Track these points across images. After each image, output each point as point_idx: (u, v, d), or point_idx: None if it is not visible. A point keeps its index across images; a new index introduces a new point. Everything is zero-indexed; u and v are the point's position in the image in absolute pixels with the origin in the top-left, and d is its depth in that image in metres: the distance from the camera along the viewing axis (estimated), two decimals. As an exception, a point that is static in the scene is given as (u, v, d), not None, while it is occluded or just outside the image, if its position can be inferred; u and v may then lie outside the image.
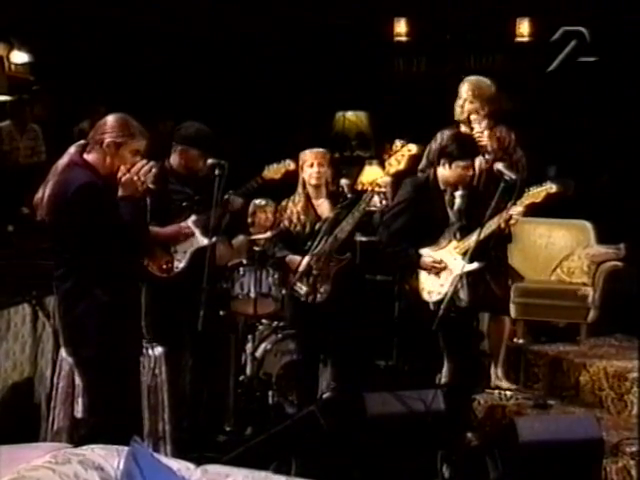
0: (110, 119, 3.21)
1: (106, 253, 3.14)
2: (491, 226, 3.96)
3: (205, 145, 4.04)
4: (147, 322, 3.61)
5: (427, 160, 4.44)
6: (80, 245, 3.15)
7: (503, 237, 4.19)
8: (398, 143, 4.25)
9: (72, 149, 3.23)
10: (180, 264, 3.94)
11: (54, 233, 3.23)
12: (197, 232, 3.92)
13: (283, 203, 4.51)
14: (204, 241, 3.87)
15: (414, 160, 4.26)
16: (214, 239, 3.82)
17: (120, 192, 3.17)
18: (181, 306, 3.79)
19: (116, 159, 3.18)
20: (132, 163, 3.19)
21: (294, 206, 4.42)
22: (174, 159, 4.10)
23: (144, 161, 3.19)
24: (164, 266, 3.91)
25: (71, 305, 3.19)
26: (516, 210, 3.98)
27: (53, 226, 3.21)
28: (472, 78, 4.38)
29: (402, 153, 4.18)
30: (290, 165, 4.22)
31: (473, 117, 4.29)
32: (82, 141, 3.26)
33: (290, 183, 4.40)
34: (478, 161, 4.23)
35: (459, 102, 4.34)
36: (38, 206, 3.20)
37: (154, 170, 3.26)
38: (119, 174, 3.17)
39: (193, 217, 3.94)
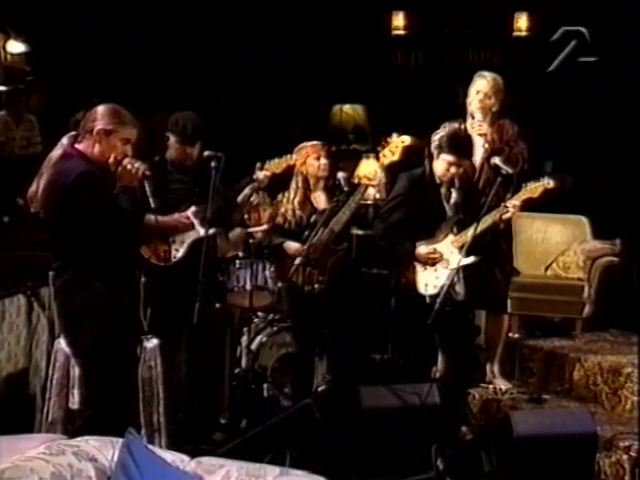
0: (100, 108, 3.23)
1: (103, 243, 3.14)
2: (488, 220, 3.96)
3: (201, 136, 4.03)
4: (143, 314, 3.60)
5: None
6: (77, 236, 3.14)
7: (502, 232, 4.18)
8: (395, 136, 4.24)
9: (64, 140, 3.24)
10: (178, 254, 3.94)
11: (51, 225, 3.23)
12: (196, 223, 3.91)
13: (278, 197, 4.51)
14: (203, 232, 3.86)
15: (408, 151, 4.24)
16: (212, 231, 3.80)
17: (117, 183, 3.18)
18: (177, 297, 3.78)
19: (106, 147, 3.19)
20: (123, 152, 3.20)
21: (290, 201, 4.42)
22: (171, 150, 4.09)
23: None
24: (161, 254, 3.90)
25: (69, 296, 3.20)
26: (512, 203, 3.97)
27: (50, 218, 3.20)
28: (487, 73, 4.29)
29: (396, 144, 4.18)
30: (291, 159, 4.22)
31: (480, 108, 4.22)
32: (73, 132, 3.26)
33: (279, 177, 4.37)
34: (479, 154, 4.21)
35: (477, 96, 4.24)
36: (33, 199, 3.20)
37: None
38: (111, 164, 3.18)
39: (193, 208, 3.93)
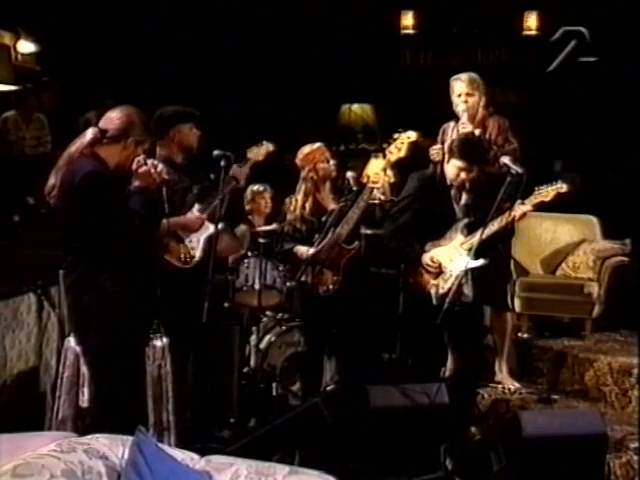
0: (119, 109, 3.23)
1: (113, 242, 3.14)
2: (496, 223, 3.95)
3: (193, 117, 3.94)
4: (153, 312, 3.60)
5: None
6: (87, 235, 3.16)
7: (507, 232, 4.17)
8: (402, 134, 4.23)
9: (88, 136, 3.21)
10: (197, 253, 3.88)
11: (63, 222, 3.25)
12: (205, 220, 3.88)
13: (286, 202, 4.51)
14: (212, 228, 3.82)
15: (414, 147, 4.23)
16: (220, 225, 3.77)
17: (135, 183, 3.19)
18: (188, 297, 3.77)
19: (125, 149, 3.21)
20: (141, 154, 3.23)
21: (299, 208, 4.41)
22: (166, 146, 3.98)
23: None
24: (182, 257, 3.84)
25: (78, 295, 3.21)
26: (523, 208, 3.95)
27: (62, 214, 3.22)
28: (462, 75, 4.35)
29: (402, 140, 4.16)
30: (271, 147, 4.01)
31: (465, 109, 4.26)
32: (96, 128, 3.24)
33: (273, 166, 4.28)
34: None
35: (459, 99, 4.29)
36: (50, 193, 3.21)
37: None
38: (134, 165, 3.20)
39: (196, 206, 3.90)
